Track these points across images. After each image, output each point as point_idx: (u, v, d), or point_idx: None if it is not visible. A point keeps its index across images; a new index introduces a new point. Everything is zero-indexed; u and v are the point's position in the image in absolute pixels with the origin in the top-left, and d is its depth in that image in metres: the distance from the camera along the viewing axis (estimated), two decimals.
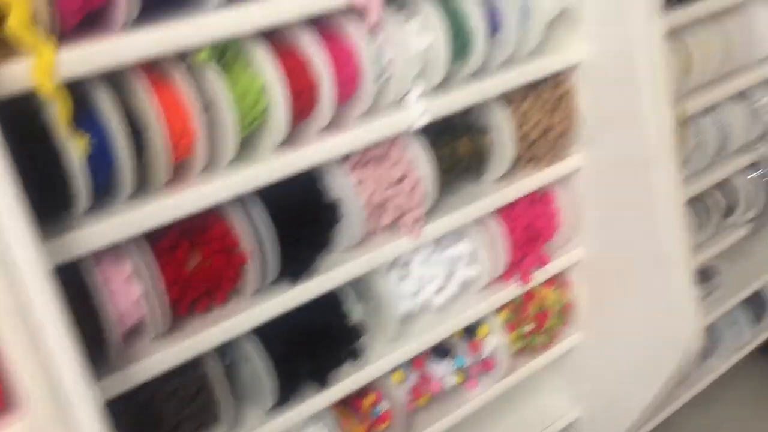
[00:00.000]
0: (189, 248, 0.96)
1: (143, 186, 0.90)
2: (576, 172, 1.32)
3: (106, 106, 0.81)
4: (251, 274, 1.00)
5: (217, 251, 0.97)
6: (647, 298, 1.32)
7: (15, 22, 0.69)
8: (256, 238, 0.99)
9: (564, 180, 1.33)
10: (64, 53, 0.75)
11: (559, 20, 1.21)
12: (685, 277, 1.28)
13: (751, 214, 1.75)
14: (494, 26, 1.12)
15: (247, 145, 0.98)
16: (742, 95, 1.60)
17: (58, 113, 0.76)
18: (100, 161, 0.84)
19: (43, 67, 0.72)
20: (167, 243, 0.95)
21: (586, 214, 1.35)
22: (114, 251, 0.91)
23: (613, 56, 1.19)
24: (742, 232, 1.76)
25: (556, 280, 1.41)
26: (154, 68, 0.87)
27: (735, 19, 1.49)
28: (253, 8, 0.89)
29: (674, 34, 1.37)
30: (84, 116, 0.83)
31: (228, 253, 0.98)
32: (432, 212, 1.18)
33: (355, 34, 0.99)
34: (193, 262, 0.96)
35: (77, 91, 0.81)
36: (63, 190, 0.83)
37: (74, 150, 0.80)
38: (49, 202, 0.83)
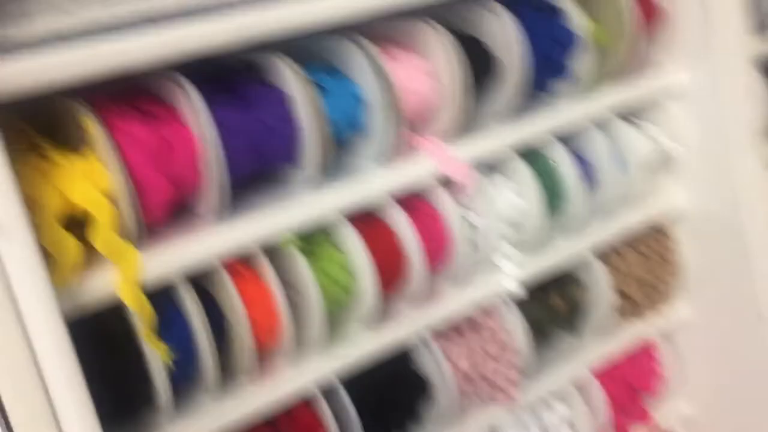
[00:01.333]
0: None
1: (228, 377, 0.84)
2: (680, 326, 1.22)
3: (190, 307, 0.77)
4: None
5: None
6: None
7: (100, 240, 0.65)
8: (342, 424, 0.92)
9: (667, 333, 1.23)
10: (148, 258, 0.71)
11: (662, 171, 1.13)
12: None
13: None
14: (591, 181, 1.05)
15: (334, 322, 0.92)
16: None
17: (141, 322, 0.71)
18: (184, 361, 0.78)
19: (127, 281, 0.67)
20: None
21: (692, 369, 1.24)
22: None
23: (719, 207, 1.11)
24: None
25: None
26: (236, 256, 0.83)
27: None
28: (343, 191, 0.84)
29: None
30: (168, 307, 0.78)
31: None
32: (527, 374, 1.09)
33: (445, 202, 0.94)
34: None
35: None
36: (146, 391, 0.78)
37: (157, 354, 0.75)
38: (132, 402, 0.78)
